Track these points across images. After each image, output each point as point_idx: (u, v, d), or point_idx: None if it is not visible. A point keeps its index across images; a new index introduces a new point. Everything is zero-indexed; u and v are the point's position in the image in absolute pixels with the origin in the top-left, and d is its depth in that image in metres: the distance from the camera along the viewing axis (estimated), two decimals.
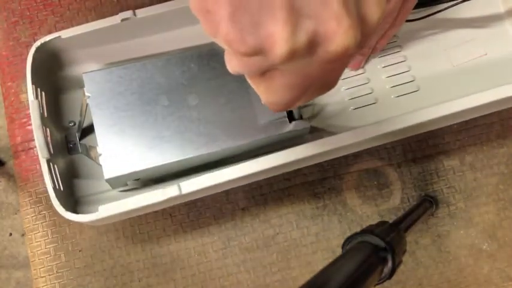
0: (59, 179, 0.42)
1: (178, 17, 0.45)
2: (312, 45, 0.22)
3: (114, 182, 0.43)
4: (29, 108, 0.42)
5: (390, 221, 0.38)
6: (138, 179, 0.44)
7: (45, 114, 0.44)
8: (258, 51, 0.22)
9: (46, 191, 0.40)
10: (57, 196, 0.40)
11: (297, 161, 0.41)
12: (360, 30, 0.22)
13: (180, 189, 0.39)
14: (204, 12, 0.22)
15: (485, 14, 0.49)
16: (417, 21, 0.46)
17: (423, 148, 0.48)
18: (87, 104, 0.43)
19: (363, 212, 0.47)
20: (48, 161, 0.41)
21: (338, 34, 0.22)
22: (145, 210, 0.41)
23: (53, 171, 0.41)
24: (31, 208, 0.47)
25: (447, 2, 0.45)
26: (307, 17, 0.21)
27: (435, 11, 0.46)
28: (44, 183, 0.47)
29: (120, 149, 0.42)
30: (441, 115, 0.40)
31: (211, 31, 0.22)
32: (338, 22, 0.21)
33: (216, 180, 0.40)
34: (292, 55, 0.22)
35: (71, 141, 0.46)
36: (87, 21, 0.45)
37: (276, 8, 0.21)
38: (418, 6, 0.42)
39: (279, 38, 0.21)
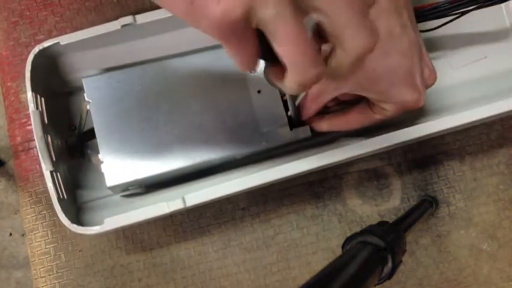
0: (62, 187, 0.42)
1: (178, 21, 0.44)
2: None
3: (116, 189, 0.43)
4: (29, 109, 0.42)
5: (390, 221, 0.38)
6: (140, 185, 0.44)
7: (46, 120, 0.43)
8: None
9: (46, 191, 0.40)
10: (62, 208, 0.40)
11: (304, 171, 0.41)
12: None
13: (184, 202, 0.40)
14: None
15: (486, 17, 0.48)
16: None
17: (423, 148, 0.48)
18: (87, 110, 0.42)
19: (363, 212, 0.47)
20: (51, 172, 0.41)
21: (420, 100, 0.37)
22: (149, 219, 0.42)
23: (56, 182, 0.41)
24: (31, 208, 0.47)
25: (450, 15, 0.43)
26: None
27: (439, 24, 0.44)
28: (44, 183, 0.47)
29: (122, 157, 0.41)
30: (447, 127, 0.41)
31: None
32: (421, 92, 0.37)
33: (221, 192, 0.40)
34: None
35: (71, 145, 0.46)
36: (87, 21, 0.44)
37: None
38: (420, 19, 0.41)
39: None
